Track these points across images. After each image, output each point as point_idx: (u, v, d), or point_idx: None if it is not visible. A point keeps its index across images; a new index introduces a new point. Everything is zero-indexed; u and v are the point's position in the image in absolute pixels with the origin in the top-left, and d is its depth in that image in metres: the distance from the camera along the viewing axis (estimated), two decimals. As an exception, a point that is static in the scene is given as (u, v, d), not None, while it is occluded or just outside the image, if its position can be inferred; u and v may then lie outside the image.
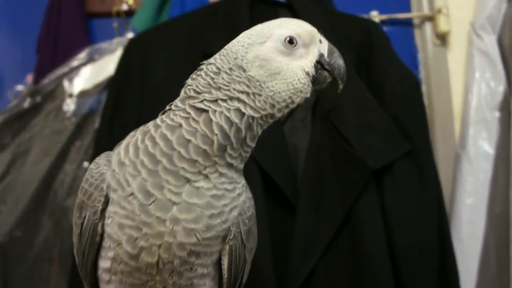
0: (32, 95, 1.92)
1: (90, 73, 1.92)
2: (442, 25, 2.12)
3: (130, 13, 2.09)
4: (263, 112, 0.79)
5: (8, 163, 1.90)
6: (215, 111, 0.77)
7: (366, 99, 1.59)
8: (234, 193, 0.80)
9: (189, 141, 0.76)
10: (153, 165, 0.76)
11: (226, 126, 0.77)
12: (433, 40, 2.18)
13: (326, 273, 1.46)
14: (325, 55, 0.83)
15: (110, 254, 0.80)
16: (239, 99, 0.78)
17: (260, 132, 0.81)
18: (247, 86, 0.78)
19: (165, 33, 1.74)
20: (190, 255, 0.77)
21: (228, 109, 0.77)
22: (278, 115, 0.81)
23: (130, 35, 2.00)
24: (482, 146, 1.96)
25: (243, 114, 0.78)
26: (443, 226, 1.61)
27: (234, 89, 0.78)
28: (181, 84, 1.58)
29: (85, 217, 0.82)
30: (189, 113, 0.78)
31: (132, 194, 0.77)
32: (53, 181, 1.87)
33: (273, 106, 0.79)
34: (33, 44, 2.11)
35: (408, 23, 2.25)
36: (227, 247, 0.80)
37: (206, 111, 0.77)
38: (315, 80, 0.82)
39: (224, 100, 0.78)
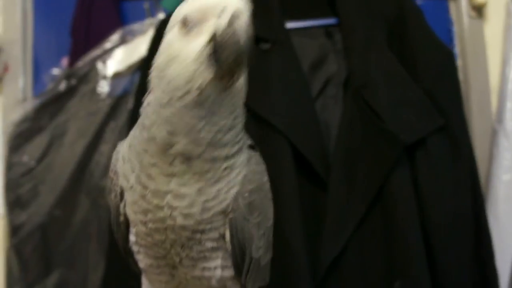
0: (67, 78, 1.99)
1: (123, 55, 1.97)
2: (478, -3, 2.08)
3: (160, -7, 2.12)
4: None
5: (46, 145, 1.99)
6: None
7: (398, 74, 1.58)
8: (230, 176, 0.81)
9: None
10: (140, 159, 0.80)
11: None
12: (469, 12, 2.14)
13: (358, 249, 1.47)
14: (220, 30, 0.72)
15: (133, 230, 0.87)
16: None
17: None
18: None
19: (195, 13, 1.76)
20: (194, 233, 0.81)
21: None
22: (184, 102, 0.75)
23: (161, 15, 2.02)
24: (520, 120, 1.93)
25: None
26: (478, 203, 1.60)
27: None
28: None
29: (113, 197, 0.89)
30: None
31: (132, 186, 0.82)
32: (89, 162, 1.94)
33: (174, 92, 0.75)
34: (67, 28, 2.16)
35: (443, -5, 2.22)
36: (227, 221, 0.82)
37: None
38: (217, 60, 0.73)
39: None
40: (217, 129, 0.76)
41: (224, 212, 0.82)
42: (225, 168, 0.79)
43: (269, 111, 1.50)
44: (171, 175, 0.78)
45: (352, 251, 1.46)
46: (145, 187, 0.80)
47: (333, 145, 1.57)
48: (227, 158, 0.79)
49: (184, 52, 0.74)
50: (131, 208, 0.84)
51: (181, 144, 0.76)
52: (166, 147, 0.77)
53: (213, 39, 0.73)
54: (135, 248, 0.90)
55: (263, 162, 0.90)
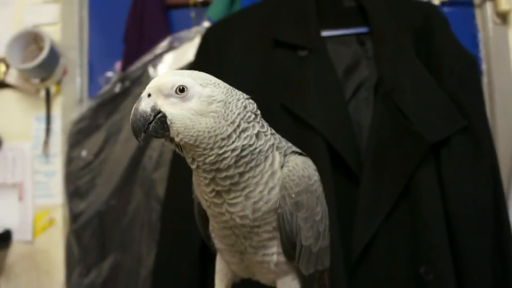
0: (122, 80, 2.16)
1: (172, 60, 2.11)
2: (503, 4, 2.14)
3: (205, 3, 2.25)
4: None
5: (103, 141, 2.16)
6: None
7: (425, 79, 1.68)
8: (263, 179, 0.94)
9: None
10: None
11: None
12: (494, 19, 2.20)
13: (386, 238, 1.58)
14: None
15: (211, 222, 1.06)
16: None
17: None
18: None
19: (239, 22, 1.89)
20: (252, 228, 0.97)
21: None
22: None
23: (206, 24, 2.16)
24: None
25: None
26: (499, 198, 1.67)
27: None
28: (254, 69, 1.74)
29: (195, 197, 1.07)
30: None
31: (196, 196, 1.04)
32: (142, 156, 2.10)
33: None
34: (119, 34, 2.33)
35: (468, 3, 2.28)
36: (276, 216, 0.97)
37: None
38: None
39: None
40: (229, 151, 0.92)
41: (274, 210, 0.97)
42: (254, 177, 0.93)
43: (307, 112, 1.64)
44: (216, 191, 0.95)
45: (381, 240, 1.58)
46: (206, 200, 0.97)
47: (365, 144, 1.69)
48: (250, 169, 0.93)
49: None
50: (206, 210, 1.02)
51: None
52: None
53: None
54: (212, 235, 1.09)
55: (313, 167, 1.03)
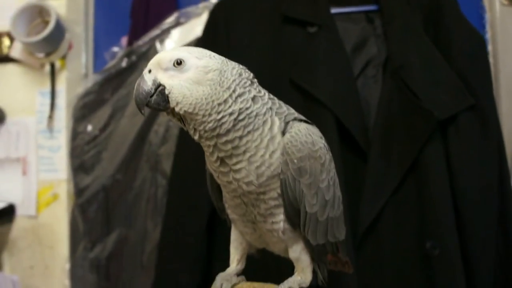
0: (129, 55, 2.15)
1: (179, 35, 2.11)
2: (510, -15, 2.16)
3: (214, -22, 2.22)
4: None
5: (109, 115, 2.16)
6: None
7: (433, 57, 1.69)
8: (263, 143, 0.96)
9: None
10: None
11: None
12: (501, 0, 2.21)
13: (393, 213, 1.60)
14: None
15: (224, 193, 1.08)
16: None
17: None
18: None
19: (247, -3, 1.88)
20: (259, 194, 0.99)
21: None
22: None
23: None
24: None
25: None
26: (504, 176, 1.69)
27: None
28: (263, 45, 1.74)
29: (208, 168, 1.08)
30: None
31: (208, 168, 1.05)
32: (148, 131, 2.10)
33: None
34: (125, 9, 2.32)
35: (476, -17, 2.29)
36: (279, 181, 0.99)
37: None
38: None
39: None
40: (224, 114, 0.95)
41: (278, 175, 0.98)
42: (253, 141, 0.96)
43: (316, 88, 1.65)
44: (220, 159, 0.97)
45: (387, 215, 1.60)
46: (213, 170, 1.01)
47: (373, 121, 1.70)
48: (248, 133, 0.96)
49: None
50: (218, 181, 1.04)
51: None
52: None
53: None
54: (226, 205, 1.10)
55: (318, 134, 1.04)
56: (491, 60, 2.17)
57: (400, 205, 1.62)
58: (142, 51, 2.14)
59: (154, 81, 0.94)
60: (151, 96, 0.93)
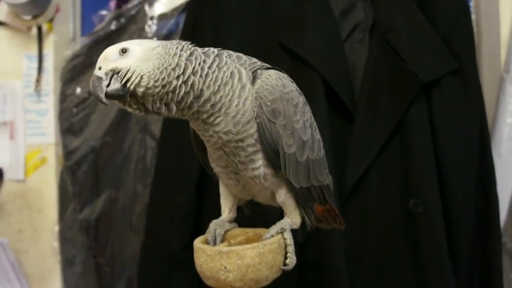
0: (117, 18, 2.15)
1: (168, -1, 2.12)
2: (494, -47, 2.17)
3: None
4: None
5: (98, 78, 2.15)
6: None
7: (419, 21, 1.72)
8: (235, 94, 0.99)
9: None
10: None
11: None
12: (484, -32, 2.23)
13: (378, 172, 1.65)
14: None
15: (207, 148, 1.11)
16: None
17: None
18: None
19: (236, -38, 1.88)
20: (237, 142, 1.02)
21: None
22: None
23: (203, -37, 2.15)
24: (526, 70, 2.08)
25: None
26: (484, 139, 1.75)
27: None
28: (252, 9, 1.76)
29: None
30: None
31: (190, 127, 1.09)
32: (137, 94, 2.10)
33: None
34: (114, -28, 2.30)
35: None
36: (256, 127, 1.02)
37: None
38: None
39: None
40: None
41: (253, 120, 1.01)
42: (226, 95, 0.99)
43: (304, 50, 1.67)
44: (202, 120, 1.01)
45: (373, 174, 1.66)
46: (195, 126, 1.04)
47: (359, 83, 1.74)
48: (219, 88, 0.99)
49: None
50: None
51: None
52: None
53: None
54: (210, 159, 1.14)
55: (287, 78, 1.07)
56: (474, 28, 2.19)
57: (385, 164, 1.66)
58: (131, 14, 2.14)
59: (106, 72, 0.97)
60: (107, 86, 0.96)
